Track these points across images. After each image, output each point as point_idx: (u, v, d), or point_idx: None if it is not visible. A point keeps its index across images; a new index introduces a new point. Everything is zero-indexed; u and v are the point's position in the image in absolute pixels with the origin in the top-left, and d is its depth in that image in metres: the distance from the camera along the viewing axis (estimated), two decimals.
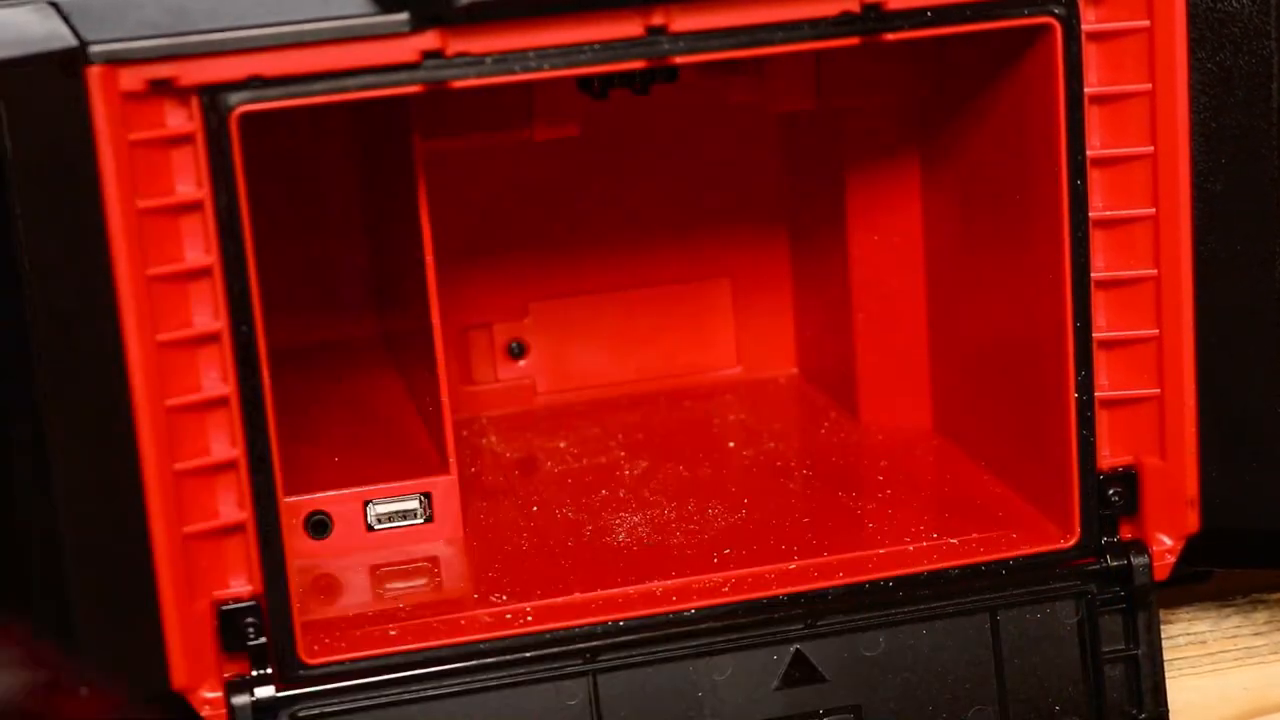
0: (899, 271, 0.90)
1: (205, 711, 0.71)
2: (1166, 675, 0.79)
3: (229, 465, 0.70)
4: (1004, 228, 0.80)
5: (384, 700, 0.72)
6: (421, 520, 0.83)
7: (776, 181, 1.00)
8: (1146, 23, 0.73)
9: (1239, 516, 0.78)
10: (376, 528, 0.82)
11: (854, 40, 0.71)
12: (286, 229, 0.97)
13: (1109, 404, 0.77)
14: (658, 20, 0.69)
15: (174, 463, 0.69)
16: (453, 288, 0.96)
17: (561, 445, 0.94)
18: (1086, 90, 0.74)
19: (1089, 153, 0.74)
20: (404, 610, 0.76)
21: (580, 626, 0.74)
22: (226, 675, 0.72)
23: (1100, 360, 0.77)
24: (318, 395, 0.94)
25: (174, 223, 0.68)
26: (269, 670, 0.71)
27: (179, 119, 0.67)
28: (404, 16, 0.67)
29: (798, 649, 0.75)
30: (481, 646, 0.73)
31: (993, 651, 0.76)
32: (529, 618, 0.74)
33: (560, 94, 0.85)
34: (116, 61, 0.66)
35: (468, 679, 0.73)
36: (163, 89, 0.67)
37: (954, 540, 0.78)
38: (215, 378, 0.70)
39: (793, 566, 0.77)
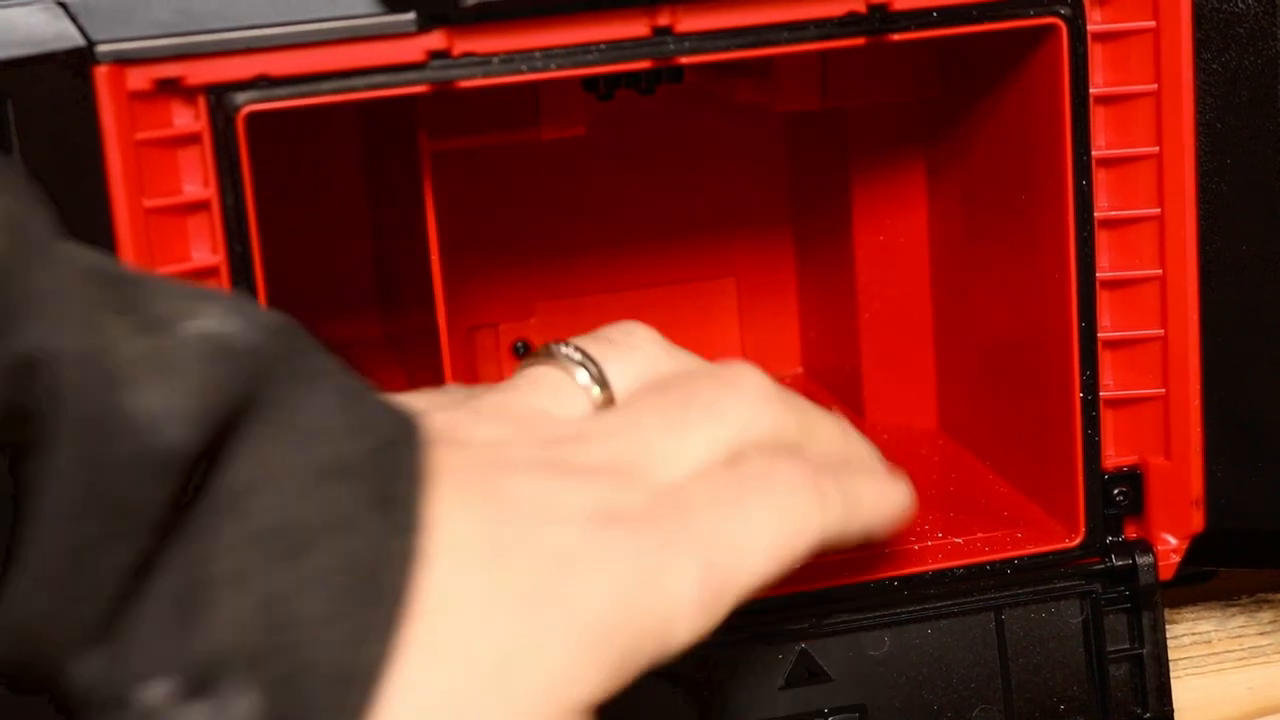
0: (904, 272, 0.90)
1: None
2: (1171, 675, 0.79)
3: None
4: (1009, 228, 0.80)
5: None
6: None
7: (782, 182, 1.00)
8: (1152, 23, 0.73)
9: (1244, 516, 0.78)
10: None
11: (860, 40, 0.71)
12: (293, 229, 0.97)
13: (1114, 404, 0.77)
14: (664, 21, 0.69)
15: None
16: (458, 287, 0.96)
17: None
18: (1092, 91, 0.74)
19: (1094, 153, 0.75)
20: None
21: None
22: None
23: (1105, 360, 0.77)
24: None
25: (181, 222, 0.68)
26: None
27: (186, 118, 0.67)
28: (410, 16, 0.67)
29: (803, 648, 0.75)
30: None
31: (998, 650, 0.77)
32: None
33: (566, 94, 0.85)
34: (124, 61, 0.66)
35: None
36: (170, 88, 0.67)
37: (959, 540, 0.78)
38: None
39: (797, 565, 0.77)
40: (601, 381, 0.63)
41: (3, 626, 0.50)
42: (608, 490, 0.58)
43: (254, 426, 0.52)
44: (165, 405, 0.49)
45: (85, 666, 0.50)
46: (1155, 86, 0.74)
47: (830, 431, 0.67)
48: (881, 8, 0.71)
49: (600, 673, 0.54)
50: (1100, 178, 0.75)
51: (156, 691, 0.49)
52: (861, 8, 0.71)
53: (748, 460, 0.62)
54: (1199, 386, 0.76)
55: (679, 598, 0.57)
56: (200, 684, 0.49)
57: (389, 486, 0.52)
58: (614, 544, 0.56)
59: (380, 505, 0.52)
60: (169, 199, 0.68)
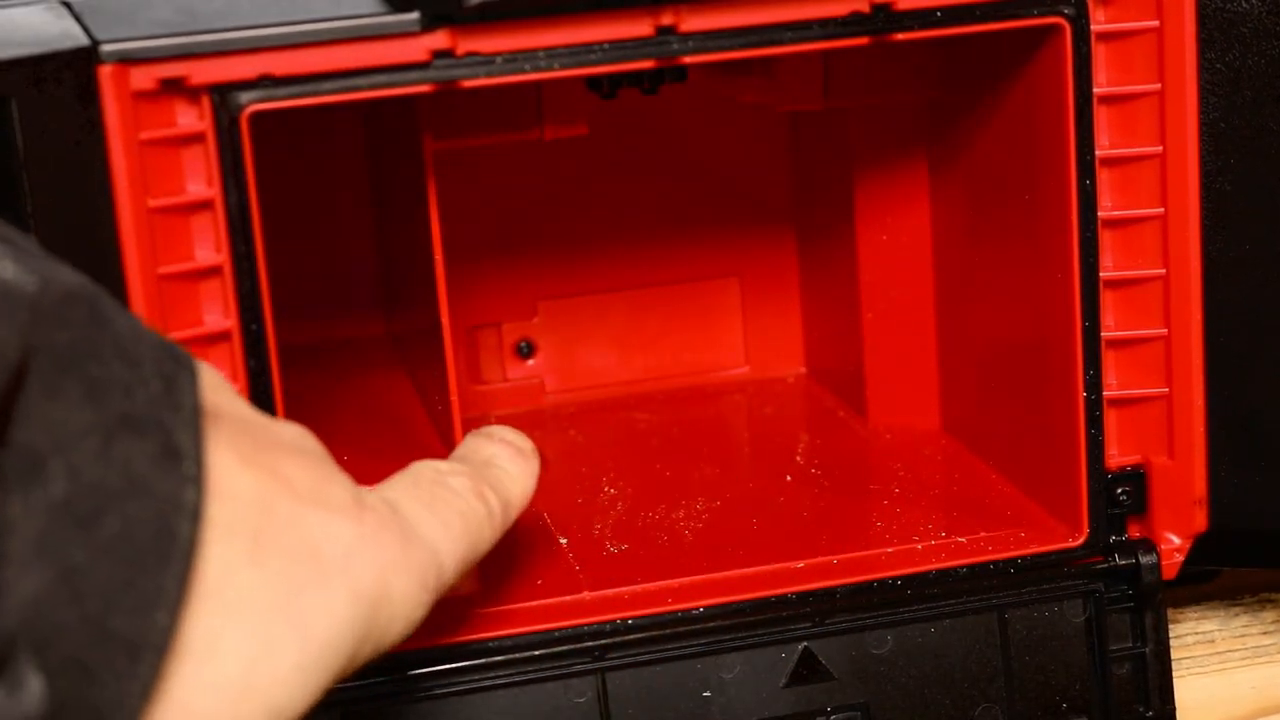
0: (907, 271, 0.90)
1: None
2: (1174, 674, 0.79)
3: None
4: (1012, 227, 0.80)
5: (392, 697, 0.72)
6: None
7: (785, 181, 1.00)
8: (1156, 23, 0.73)
9: (1247, 516, 0.78)
10: None
11: (863, 40, 0.71)
12: (296, 228, 0.97)
13: (1117, 403, 0.77)
14: (667, 20, 0.69)
15: None
16: (462, 287, 0.96)
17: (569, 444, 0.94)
18: (1095, 90, 0.74)
19: (1098, 153, 0.75)
20: None
21: (588, 625, 0.74)
22: None
23: (1108, 360, 0.77)
24: (327, 394, 0.94)
25: (185, 221, 0.68)
26: None
27: (190, 118, 0.67)
28: (414, 16, 0.68)
29: (806, 647, 0.75)
30: (490, 645, 0.73)
31: (1000, 649, 0.77)
32: (537, 616, 0.74)
33: (569, 94, 0.85)
34: (128, 60, 0.66)
35: (476, 677, 0.73)
36: (174, 88, 0.67)
37: (962, 539, 0.78)
38: (225, 376, 0.70)
39: (800, 565, 0.77)
40: None
41: None
42: (351, 486, 0.60)
43: (44, 379, 0.50)
44: None
45: None
46: (1159, 86, 0.74)
47: (477, 441, 0.74)
48: (885, 7, 0.71)
49: (321, 684, 0.55)
50: (1104, 177, 0.75)
51: None
52: (865, 7, 0.71)
53: (422, 474, 0.67)
54: (1202, 386, 0.77)
55: (407, 600, 0.59)
56: None
57: (174, 437, 0.52)
58: (368, 540, 0.58)
59: (168, 458, 0.52)
60: (173, 198, 0.68)
